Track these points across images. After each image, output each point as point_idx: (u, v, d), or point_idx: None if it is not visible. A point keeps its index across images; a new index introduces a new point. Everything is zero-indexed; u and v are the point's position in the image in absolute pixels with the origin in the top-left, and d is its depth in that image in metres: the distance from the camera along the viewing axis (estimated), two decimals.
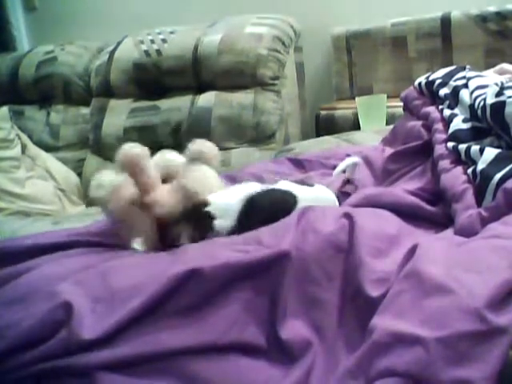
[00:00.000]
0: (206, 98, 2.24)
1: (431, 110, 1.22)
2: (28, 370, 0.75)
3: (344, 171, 1.25)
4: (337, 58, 2.42)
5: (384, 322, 0.70)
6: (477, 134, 1.07)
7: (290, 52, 2.30)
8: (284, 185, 1.04)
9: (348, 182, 1.20)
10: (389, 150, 1.26)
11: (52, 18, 2.98)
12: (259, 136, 2.17)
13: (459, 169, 1.03)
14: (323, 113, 2.28)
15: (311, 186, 1.07)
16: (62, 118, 2.54)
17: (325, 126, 2.24)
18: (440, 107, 1.20)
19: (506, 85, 1.07)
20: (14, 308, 0.82)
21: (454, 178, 1.01)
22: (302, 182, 1.07)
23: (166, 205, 0.95)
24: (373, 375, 0.66)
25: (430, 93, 1.28)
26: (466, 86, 1.19)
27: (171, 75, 2.32)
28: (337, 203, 1.10)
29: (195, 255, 0.85)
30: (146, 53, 2.36)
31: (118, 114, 2.39)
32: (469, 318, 0.66)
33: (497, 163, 0.96)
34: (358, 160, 1.25)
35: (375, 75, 2.36)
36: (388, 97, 2.05)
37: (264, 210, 0.99)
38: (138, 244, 0.99)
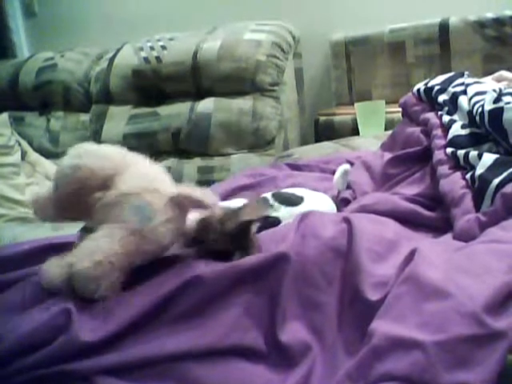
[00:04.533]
0: (206, 104, 2.25)
1: (430, 116, 1.22)
2: (28, 375, 0.75)
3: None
4: (335, 63, 2.42)
5: (383, 326, 0.71)
6: (475, 139, 1.08)
7: (289, 58, 2.31)
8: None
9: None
10: (388, 155, 1.27)
11: (52, 25, 2.98)
12: (258, 142, 2.17)
13: (458, 174, 1.04)
14: (322, 118, 2.29)
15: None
16: (61, 124, 2.54)
17: (324, 131, 2.24)
18: (439, 113, 1.21)
19: (503, 91, 1.08)
20: (14, 313, 0.82)
21: (453, 183, 1.02)
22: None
23: None
24: (372, 379, 0.67)
25: (429, 99, 1.29)
26: (464, 92, 1.19)
27: (171, 81, 2.33)
28: (335, 209, 1.11)
29: (196, 262, 0.85)
30: (146, 59, 2.36)
31: (118, 121, 2.39)
32: (467, 321, 0.67)
33: (495, 168, 0.97)
34: (348, 167, 1.25)
35: (374, 81, 2.36)
36: (386, 102, 2.05)
37: None
38: None
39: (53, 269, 0.85)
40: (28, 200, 0.94)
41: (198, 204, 0.86)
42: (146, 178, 0.87)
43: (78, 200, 0.87)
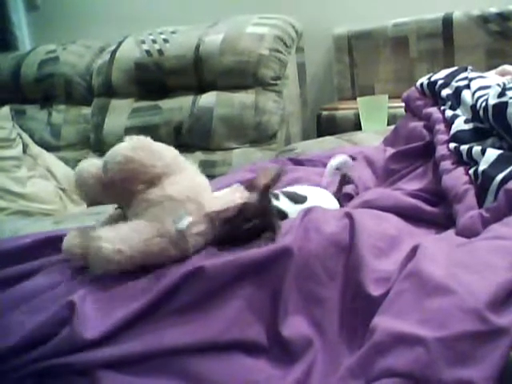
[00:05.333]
0: (208, 98, 2.24)
1: (433, 110, 1.22)
2: (30, 369, 0.75)
3: (337, 169, 1.24)
4: (338, 58, 2.41)
5: (385, 322, 0.71)
6: (479, 134, 1.08)
7: (292, 52, 2.30)
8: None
9: (344, 180, 1.19)
10: (390, 150, 1.26)
11: (54, 18, 2.98)
12: (260, 136, 2.17)
13: (461, 169, 1.03)
14: (324, 113, 2.28)
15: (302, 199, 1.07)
16: (63, 117, 2.54)
17: (326, 126, 2.24)
18: (442, 108, 1.20)
19: (508, 86, 1.07)
20: (19, 309, 0.82)
21: (456, 178, 1.02)
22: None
23: None
24: (374, 375, 0.66)
25: (432, 93, 1.28)
26: (467, 86, 1.19)
27: (173, 75, 2.32)
28: (337, 205, 1.10)
29: (198, 254, 0.85)
30: (148, 52, 2.36)
31: (120, 114, 2.39)
32: (470, 318, 0.66)
33: (498, 164, 0.96)
34: (347, 157, 1.24)
35: (376, 75, 2.35)
36: (389, 97, 2.05)
37: None
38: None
39: (74, 237, 0.89)
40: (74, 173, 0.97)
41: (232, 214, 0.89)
42: (192, 188, 0.90)
43: (123, 187, 0.90)
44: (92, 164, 0.95)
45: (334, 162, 1.22)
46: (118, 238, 0.84)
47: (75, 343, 0.75)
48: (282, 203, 1.02)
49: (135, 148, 0.89)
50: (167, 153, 0.93)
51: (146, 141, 0.92)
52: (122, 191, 0.91)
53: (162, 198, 0.88)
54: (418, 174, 1.15)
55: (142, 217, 0.88)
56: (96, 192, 0.94)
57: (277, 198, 1.02)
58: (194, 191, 0.90)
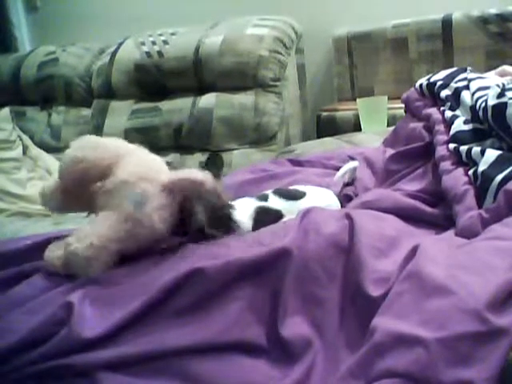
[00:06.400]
0: (207, 99, 2.24)
1: (433, 111, 1.22)
2: (29, 370, 0.75)
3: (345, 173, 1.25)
4: (338, 59, 2.42)
5: (385, 323, 0.71)
6: (478, 135, 1.08)
7: (292, 53, 2.30)
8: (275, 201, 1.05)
9: (347, 184, 1.20)
10: (390, 151, 1.26)
11: (54, 19, 2.98)
12: (260, 137, 2.17)
13: (460, 170, 1.03)
14: (324, 114, 2.28)
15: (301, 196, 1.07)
16: (63, 119, 2.54)
17: (326, 127, 2.24)
18: (441, 109, 1.20)
19: (507, 86, 1.07)
20: (19, 310, 0.83)
21: (456, 179, 1.02)
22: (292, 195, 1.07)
23: None
24: (373, 376, 0.66)
25: (432, 94, 1.28)
26: (467, 87, 1.19)
27: (172, 76, 2.32)
28: (338, 204, 1.11)
29: (197, 256, 0.85)
30: (148, 54, 2.36)
31: (119, 116, 2.39)
32: (469, 318, 0.66)
33: (498, 165, 0.96)
34: (358, 164, 1.25)
35: (376, 77, 2.36)
36: (389, 98, 2.05)
37: None
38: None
39: (53, 250, 0.91)
40: (38, 193, 0.99)
41: (192, 185, 0.91)
42: (142, 167, 0.92)
43: (82, 190, 0.94)
44: (51, 180, 0.98)
45: (348, 167, 1.23)
46: (85, 235, 0.87)
47: (73, 343, 0.75)
48: (272, 202, 1.02)
49: (81, 147, 0.92)
50: (112, 143, 0.96)
51: (90, 138, 0.95)
52: (82, 193, 0.94)
53: (116, 185, 0.90)
54: (418, 174, 1.15)
55: (105, 209, 0.90)
56: (61, 204, 0.97)
57: (265, 199, 1.03)
58: (145, 170, 0.92)
